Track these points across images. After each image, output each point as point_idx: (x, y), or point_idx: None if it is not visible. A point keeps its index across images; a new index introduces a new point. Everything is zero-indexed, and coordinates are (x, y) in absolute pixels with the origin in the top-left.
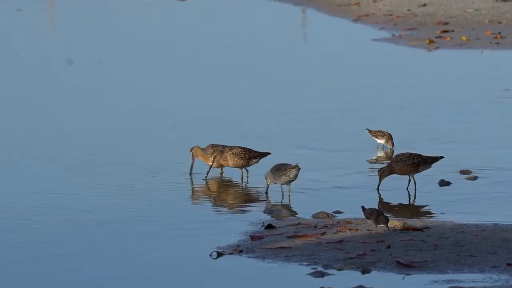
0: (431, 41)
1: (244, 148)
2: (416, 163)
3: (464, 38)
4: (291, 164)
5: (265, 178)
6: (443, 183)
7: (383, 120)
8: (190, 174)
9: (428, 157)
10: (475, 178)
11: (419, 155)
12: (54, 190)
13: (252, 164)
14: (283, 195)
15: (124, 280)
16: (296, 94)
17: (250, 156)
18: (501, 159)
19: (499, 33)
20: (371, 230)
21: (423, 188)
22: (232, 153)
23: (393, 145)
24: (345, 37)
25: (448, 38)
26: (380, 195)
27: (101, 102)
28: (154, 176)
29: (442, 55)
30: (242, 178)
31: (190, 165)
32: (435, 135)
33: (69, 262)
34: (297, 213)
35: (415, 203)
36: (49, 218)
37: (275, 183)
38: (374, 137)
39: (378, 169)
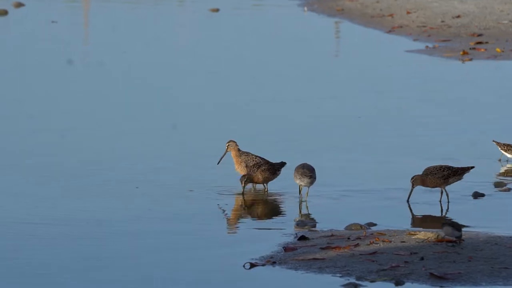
0: (465, 53)
1: (268, 162)
2: (446, 175)
3: (498, 49)
4: (306, 171)
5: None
6: (477, 195)
7: (423, 131)
8: (218, 163)
9: (458, 168)
10: (509, 190)
11: (449, 167)
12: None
13: (278, 176)
14: (300, 200)
15: None
16: (333, 104)
17: (275, 169)
18: None
19: None
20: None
21: (457, 200)
22: (262, 170)
23: None
24: (379, 48)
25: (482, 50)
26: (409, 206)
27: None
28: (137, 187)
29: (476, 67)
30: (266, 190)
31: (221, 156)
32: (470, 148)
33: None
34: (329, 225)
35: (449, 215)
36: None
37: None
38: (503, 152)
39: (412, 177)
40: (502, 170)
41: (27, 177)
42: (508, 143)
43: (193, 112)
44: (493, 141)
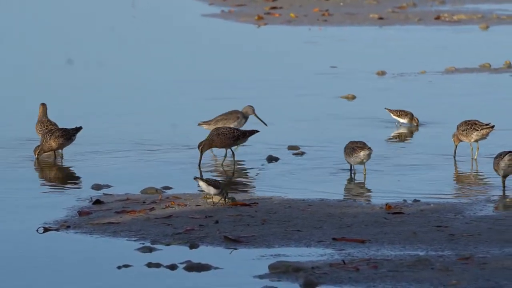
0: (260, 18)
1: (61, 129)
2: (236, 136)
3: (292, 15)
4: None
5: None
6: (271, 159)
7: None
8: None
9: (246, 131)
10: (302, 153)
11: (237, 129)
12: None
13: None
14: None
15: None
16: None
17: (71, 135)
18: (328, 135)
19: (327, 10)
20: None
21: (252, 163)
22: (55, 138)
23: (418, 121)
24: (175, 12)
25: (277, 15)
26: (200, 171)
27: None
28: None
29: (271, 32)
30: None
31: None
32: (263, 110)
33: None
34: (125, 188)
35: (243, 178)
36: None
37: None
38: (396, 117)
39: (198, 144)
40: (392, 135)
41: None
42: (400, 109)
43: None
44: (385, 108)
